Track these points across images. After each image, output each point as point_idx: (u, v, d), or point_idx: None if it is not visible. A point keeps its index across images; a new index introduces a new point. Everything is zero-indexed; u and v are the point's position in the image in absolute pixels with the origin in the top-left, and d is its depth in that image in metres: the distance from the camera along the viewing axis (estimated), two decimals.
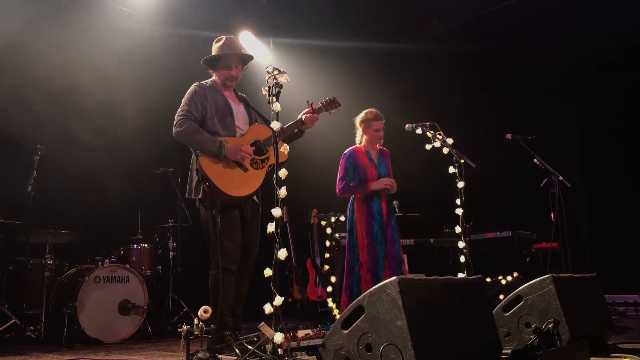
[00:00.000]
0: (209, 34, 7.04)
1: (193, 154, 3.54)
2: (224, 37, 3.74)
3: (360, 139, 4.46)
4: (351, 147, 4.44)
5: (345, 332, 2.33)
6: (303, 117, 3.72)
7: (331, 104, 3.87)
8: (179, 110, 3.55)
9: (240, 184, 3.44)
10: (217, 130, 3.54)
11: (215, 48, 3.72)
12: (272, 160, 3.54)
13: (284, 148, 3.01)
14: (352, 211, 4.30)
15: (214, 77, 3.77)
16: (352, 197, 4.35)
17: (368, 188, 4.24)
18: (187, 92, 3.62)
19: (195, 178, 3.50)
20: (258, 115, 3.78)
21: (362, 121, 4.45)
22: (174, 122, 3.51)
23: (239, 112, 3.70)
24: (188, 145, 3.53)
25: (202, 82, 3.70)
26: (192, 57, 6.97)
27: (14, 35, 5.66)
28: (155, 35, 7.02)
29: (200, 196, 3.46)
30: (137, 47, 6.61)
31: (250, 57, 3.79)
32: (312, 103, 3.75)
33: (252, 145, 3.56)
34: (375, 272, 4.12)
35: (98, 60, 6.19)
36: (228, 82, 3.72)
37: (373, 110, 4.44)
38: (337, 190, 4.34)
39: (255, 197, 3.65)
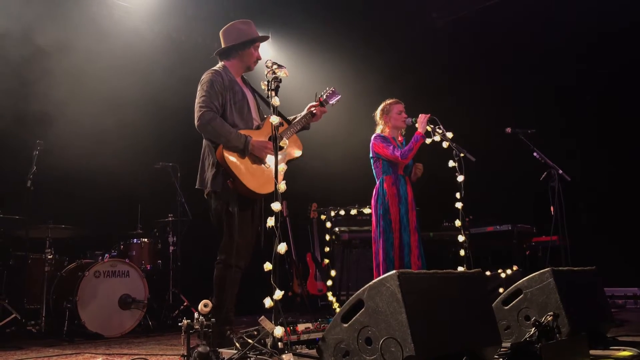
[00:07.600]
0: (207, 27, 7.03)
1: (206, 145, 3.41)
2: (248, 20, 3.60)
3: (382, 130, 4.41)
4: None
5: (345, 325, 2.34)
6: (313, 110, 3.64)
7: (333, 95, 3.81)
8: (198, 100, 3.33)
9: (264, 181, 3.33)
10: (236, 122, 3.39)
11: (246, 29, 3.53)
12: (290, 156, 3.51)
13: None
14: (383, 195, 4.24)
15: (223, 63, 3.54)
16: (380, 180, 4.31)
17: (419, 134, 4.13)
18: (204, 81, 3.39)
19: (211, 170, 3.33)
20: (262, 100, 3.65)
21: (382, 110, 4.43)
22: (196, 115, 3.31)
23: (252, 102, 3.59)
24: (212, 139, 3.35)
25: (214, 68, 3.47)
26: (191, 51, 7.00)
27: (11, 30, 5.63)
28: (154, 29, 6.99)
29: (217, 189, 3.31)
30: (135, 42, 6.57)
31: (266, 38, 3.65)
32: (320, 95, 3.72)
33: (269, 139, 3.43)
34: (401, 257, 4.12)
35: (96, 55, 6.15)
36: (253, 65, 3.59)
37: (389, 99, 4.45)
38: (399, 157, 4.18)
39: None
